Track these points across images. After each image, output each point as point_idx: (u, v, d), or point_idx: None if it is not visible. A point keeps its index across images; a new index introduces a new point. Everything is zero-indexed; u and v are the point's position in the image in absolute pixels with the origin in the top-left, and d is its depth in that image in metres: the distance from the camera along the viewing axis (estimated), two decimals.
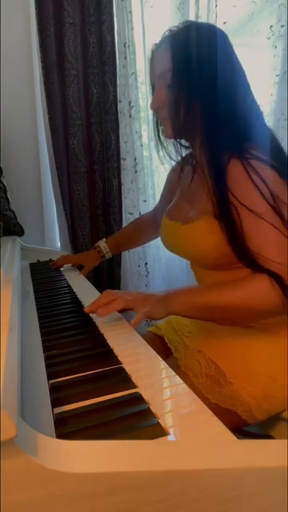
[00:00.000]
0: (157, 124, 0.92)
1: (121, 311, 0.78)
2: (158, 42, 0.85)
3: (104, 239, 1.29)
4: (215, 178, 0.76)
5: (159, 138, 0.93)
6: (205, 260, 0.83)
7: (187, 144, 0.91)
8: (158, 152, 0.94)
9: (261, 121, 0.81)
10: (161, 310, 0.74)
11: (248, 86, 0.81)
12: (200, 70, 0.77)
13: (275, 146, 0.79)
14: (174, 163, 1.04)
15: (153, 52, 0.86)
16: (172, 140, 0.90)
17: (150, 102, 1.43)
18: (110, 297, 0.75)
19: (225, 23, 1.39)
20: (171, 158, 0.93)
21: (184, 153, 0.92)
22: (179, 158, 0.92)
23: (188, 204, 0.88)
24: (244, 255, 0.74)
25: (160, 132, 0.91)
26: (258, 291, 0.70)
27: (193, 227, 0.80)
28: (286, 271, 0.67)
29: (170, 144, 0.92)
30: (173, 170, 1.09)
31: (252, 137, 0.77)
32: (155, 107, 0.85)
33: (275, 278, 0.68)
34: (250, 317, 0.76)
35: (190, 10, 1.44)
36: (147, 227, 1.22)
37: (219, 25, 1.39)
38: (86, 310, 0.77)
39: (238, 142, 0.76)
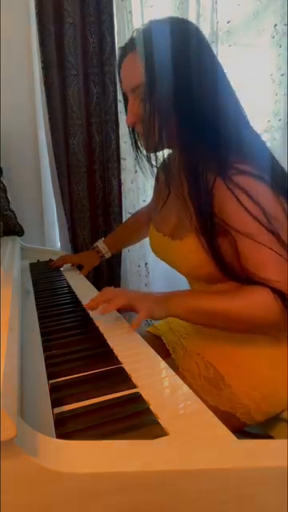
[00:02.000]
0: (133, 133, 0.86)
1: (121, 310, 0.77)
2: (123, 45, 0.77)
3: (102, 239, 1.26)
4: (198, 202, 0.72)
5: (137, 147, 0.87)
6: (196, 275, 0.81)
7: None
8: (137, 162, 0.88)
9: (248, 129, 0.75)
10: (161, 311, 0.73)
11: (231, 89, 0.75)
12: (175, 81, 0.70)
13: (266, 156, 0.74)
14: (155, 183, 1.00)
15: (120, 57, 0.78)
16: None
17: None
18: (110, 294, 0.75)
19: (229, 22, 1.38)
20: (151, 165, 0.87)
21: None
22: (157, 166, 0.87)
23: (173, 215, 0.84)
24: (232, 275, 0.73)
25: (138, 142, 0.86)
26: (261, 303, 0.68)
27: (182, 245, 0.78)
28: (285, 288, 0.66)
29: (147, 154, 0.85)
30: (155, 187, 1.02)
31: (239, 149, 0.71)
32: (130, 123, 0.78)
33: (276, 292, 0.67)
34: (250, 328, 0.74)
35: (190, 10, 1.44)
36: (144, 223, 1.17)
37: (223, 24, 1.39)
38: (86, 306, 0.77)
39: (222, 157, 0.70)
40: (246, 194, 0.67)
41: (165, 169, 0.87)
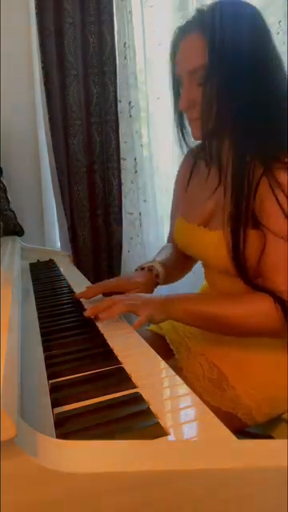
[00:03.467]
0: (180, 120, 0.82)
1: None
2: (182, 25, 0.73)
3: (156, 260, 0.93)
4: (240, 194, 0.70)
5: (183, 135, 0.84)
6: (227, 268, 0.75)
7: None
8: (182, 150, 0.86)
9: None
10: (161, 314, 0.73)
11: (286, 78, 0.71)
12: (240, 66, 0.67)
13: None
14: (179, 173, 0.98)
15: (177, 38, 0.74)
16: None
17: (148, 99, 1.36)
18: (109, 302, 0.74)
19: None
20: (191, 151, 0.87)
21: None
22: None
23: (210, 205, 0.81)
24: (245, 276, 0.72)
25: (184, 129, 0.83)
26: (260, 311, 0.68)
27: (221, 235, 0.74)
28: (285, 296, 0.66)
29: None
30: (179, 179, 0.97)
31: None
32: (184, 107, 0.74)
33: (278, 300, 0.67)
34: (247, 334, 0.74)
35: (190, 10, 1.44)
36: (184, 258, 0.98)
37: None
38: (86, 314, 0.76)
39: (275, 150, 0.68)
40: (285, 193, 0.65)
41: (212, 157, 0.82)
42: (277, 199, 0.66)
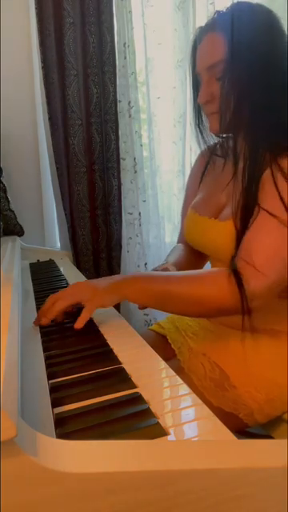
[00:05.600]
0: (198, 115, 0.87)
1: (73, 308, 0.74)
2: (203, 25, 0.78)
3: (169, 262, 0.94)
4: (248, 181, 0.72)
5: (200, 130, 0.88)
6: None
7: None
8: (199, 145, 0.90)
9: None
10: (111, 296, 0.70)
11: None
12: (257, 62, 0.71)
13: None
14: (192, 171, 1.00)
15: (197, 37, 0.78)
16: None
17: (149, 99, 1.38)
18: (51, 300, 0.72)
19: None
20: (209, 147, 0.89)
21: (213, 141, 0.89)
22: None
23: (222, 197, 0.83)
24: None
25: (201, 124, 0.87)
26: (210, 281, 0.68)
27: (231, 224, 0.75)
28: (264, 285, 0.66)
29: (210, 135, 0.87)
30: (192, 176, 1.00)
31: None
32: (203, 101, 0.78)
33: (235, 274, 0.67)
34: (204, 310, 0.72)
35: (191, 9, 1.44)
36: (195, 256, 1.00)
37: None
38: (34, 323, 0.74)
39: (284, 138, 0.71)
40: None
41: (228, 149, 0.85)
42: (274, 182, 0.68)
